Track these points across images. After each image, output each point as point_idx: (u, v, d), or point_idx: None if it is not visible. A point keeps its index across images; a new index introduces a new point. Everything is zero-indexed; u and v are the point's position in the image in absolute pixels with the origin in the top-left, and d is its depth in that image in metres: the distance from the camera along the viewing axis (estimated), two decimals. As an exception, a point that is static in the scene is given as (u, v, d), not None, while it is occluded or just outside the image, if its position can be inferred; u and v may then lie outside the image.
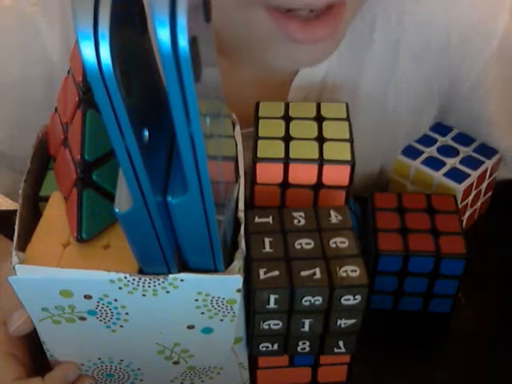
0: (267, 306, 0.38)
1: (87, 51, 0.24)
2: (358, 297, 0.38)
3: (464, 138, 0.58)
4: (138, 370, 0.43)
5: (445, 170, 0.55)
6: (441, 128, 0.59)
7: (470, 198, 0.56)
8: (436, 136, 0.58)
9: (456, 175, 0.54)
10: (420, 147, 0.57)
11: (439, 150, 0.57)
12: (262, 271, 0.38)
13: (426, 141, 0.58)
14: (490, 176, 0.57)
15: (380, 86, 0.59)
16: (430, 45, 0.57)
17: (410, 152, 0.57)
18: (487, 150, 0.57)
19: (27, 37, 0.55)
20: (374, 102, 0.60)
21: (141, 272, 0.35)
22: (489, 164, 0.56)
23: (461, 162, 0.55)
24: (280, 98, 0.57)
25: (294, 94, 0.57)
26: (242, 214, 0.38)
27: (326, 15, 0.45)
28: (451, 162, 0.55)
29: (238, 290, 0.36)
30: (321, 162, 0.43)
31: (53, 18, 0.55)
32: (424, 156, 0.56)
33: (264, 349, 0.41)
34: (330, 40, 0.47)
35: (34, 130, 0.43)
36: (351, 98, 0.57)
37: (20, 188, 0.39)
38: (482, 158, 0.56)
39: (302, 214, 0.41)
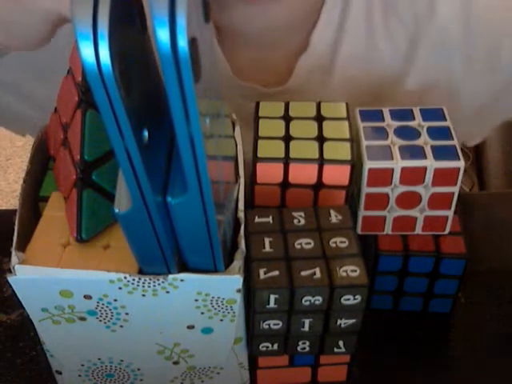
0: (267, 306, 0.38)
1: (86, 51, 0.24)
2: (358, 297, 0.38)
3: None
4: (138, 370, 0.43)
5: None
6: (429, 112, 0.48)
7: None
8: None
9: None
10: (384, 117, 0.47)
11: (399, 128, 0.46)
12: (261, 271, 0.38)
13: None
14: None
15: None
16: None
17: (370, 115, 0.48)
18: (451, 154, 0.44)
19: None
20: None
21: (141, 272, 0.35)
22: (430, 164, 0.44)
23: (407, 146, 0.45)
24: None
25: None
26: (241, 214, 0.38)
27: None
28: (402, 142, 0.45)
29: (238, 290, 0.36)
30: (321, 161, 0.43)
31: None
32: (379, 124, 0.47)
33: (264, 349, 0.41)
34: (279, 4, 0.49)
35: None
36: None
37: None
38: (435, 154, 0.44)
39: (302, 213, 0.41)
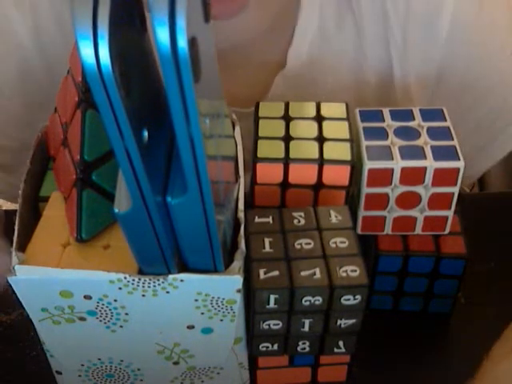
0: (267, 306, 0.38)
1: (86, 52, 0.24)
2: (358, 297, 0.38)
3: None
4: (138, 370, 0.43)
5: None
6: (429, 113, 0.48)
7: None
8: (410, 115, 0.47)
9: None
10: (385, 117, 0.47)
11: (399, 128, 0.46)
12: (261, 271, 0.38)
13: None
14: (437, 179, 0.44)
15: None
16: None
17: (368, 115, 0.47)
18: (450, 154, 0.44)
19: None
20: None
21: (141, 272, 0.35)
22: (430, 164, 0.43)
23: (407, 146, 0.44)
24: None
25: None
26: (241, 214, 0.38)
27: None
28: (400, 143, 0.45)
29: (238, 290, 0.36)
30: (321, 162, 0.43)
31: (20, 2, 0.55)
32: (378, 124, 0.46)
33: (264, 349, 0.41)
34: (246, 15, 0.48)
35: (9, 120, 0.42)
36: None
37: (6, 185, 0.39)
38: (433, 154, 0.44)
39: (302, 213, 0.41)
